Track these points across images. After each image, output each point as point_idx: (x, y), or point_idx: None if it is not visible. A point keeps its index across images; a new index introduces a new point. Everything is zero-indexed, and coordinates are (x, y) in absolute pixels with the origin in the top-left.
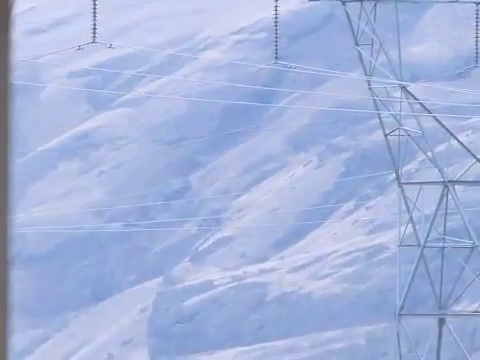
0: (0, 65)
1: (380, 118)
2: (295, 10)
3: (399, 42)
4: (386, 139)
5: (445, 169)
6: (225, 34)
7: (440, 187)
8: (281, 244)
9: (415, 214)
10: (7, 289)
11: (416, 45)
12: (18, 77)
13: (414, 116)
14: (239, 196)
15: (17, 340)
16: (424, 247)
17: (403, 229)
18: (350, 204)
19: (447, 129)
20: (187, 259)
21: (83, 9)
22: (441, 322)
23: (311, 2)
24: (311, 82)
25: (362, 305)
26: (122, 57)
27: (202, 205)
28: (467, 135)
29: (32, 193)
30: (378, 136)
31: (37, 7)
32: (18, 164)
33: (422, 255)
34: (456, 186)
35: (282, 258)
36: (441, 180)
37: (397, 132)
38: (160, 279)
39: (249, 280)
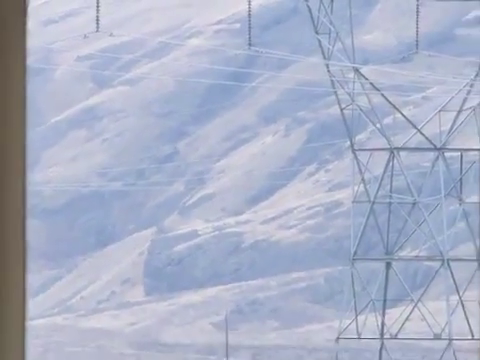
0: (17, 50)
1: (337, 95)
2: (265, 4)
3: (352, 31)
4: (342, 113)
5: (391, 138)
6: (207, 25)
7: (387, 153)
8: (254, 200)
9: (366, 175)
10: (24, 236)
11: (367, 34)
12: (34, 61)
13: (365, 93)
14: (219, 160)
15: (34, 279)
16: (374, 203)
17: (356, 188)
18: (312, 167)
19: (393, 104)
20: (176, 212)
21: (89, 3)
22: (388, 265)
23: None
24: (279, 65)
25: (322, 251)
26: (121, 44)
27: (188, 168)
28: (409, 109)
29: (47, 157)
30: (335, 110)
31: (50, 2)
32: (35, 133)
33: (372, 209)
34: (401, 152)
35: (255, 212)
36: (388, 147)
37: (351, 107)
38: (154, 229)
39: (228, 230)
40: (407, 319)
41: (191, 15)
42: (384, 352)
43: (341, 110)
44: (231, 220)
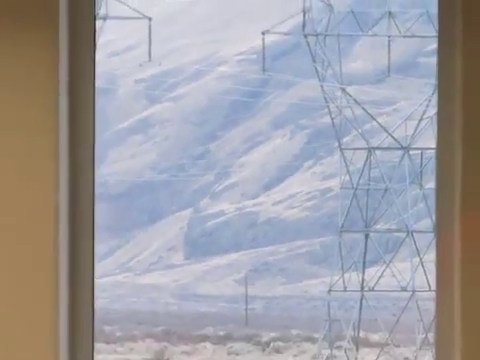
0: (87, 75)
1: (328, 108)
2: (275, 40)
3: (340, 60)
4: (332, 121)
5: (369, 140)
6: (231, 55)
7: (366, 151)
8: (267, 187)
9: (351, 168)
10: (93, 216)
11: (351, 62)
12: (103, 83)
13: (349, 107)
14: (241, 157)
15: (101, 248)
16: (356, 189)
17: (343, 178)
18: (310, 162)
19: (370, 115)
20: (208, 197)
21: (143, 40)
22: (366, 236)
23: (285, 36)
24: (285, 85)
25: (318, 225)
26: (167, 70)
27: (217, 163)
28: (383, 118)
29: (112, 155)
30: (327, 119)
31: (113, 40)
32: (104, 137)
33: (355, 194)
34: (376, 151)
35: (268, 196)
36: (367, 147)
37: (339, 117)
38: (191, 209)
39: (247, 210)
40: (381, 276)
41: (219, 48)
42: (364, 301)
43: (332, 119)
44: (249, 202)
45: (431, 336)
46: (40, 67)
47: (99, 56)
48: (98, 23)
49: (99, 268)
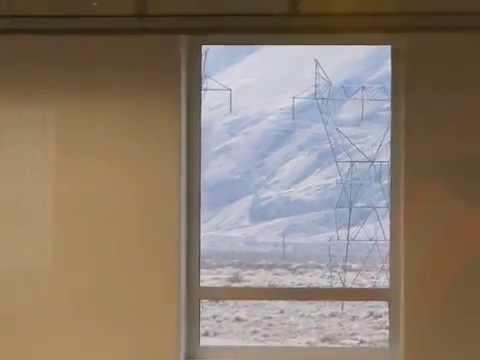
0: (196, 121)
1: (329, 139)
2: (300, 102)
3: (335, 113)
4: (331, 146)
5: (352, 157)
6: (275, 110)
7: (350, 163)
8: (295, 182)
9: (341, 172)
10: (199, 198)
11: (341, 114)
12: (205, 125)
13: (341, 138)
14: (281, 166)
15: (203, 216)
16: (344, 184)
17: (337, 178)
18: (319, 169)
19: (352, 143)
20: (262, 188)
21: (227, 101)
22: (350, 210)
23: (305, 99)
24: (305, 127)
25: (323, 204)
26: (241, 118)
27: (268, 169)
28: (359, 145)
29: (209, 165)
30: (328, 145)
31: (210, 101)
32: (206, 155)
33: (343, 186)
34: (355, 163)
35: (296, 187)
36: (350, 160)
37: (335, 144)
38: (253, 195)
39: (284, 195)
40: (358, 232)
41: (268, 106)
42: (349, 246)
43: (331, 145)
44: (285, 191)
45: (386, 265)
46: (168, 120)
47: (203, 111)
48: (202, 92)
49: (202, 227)
